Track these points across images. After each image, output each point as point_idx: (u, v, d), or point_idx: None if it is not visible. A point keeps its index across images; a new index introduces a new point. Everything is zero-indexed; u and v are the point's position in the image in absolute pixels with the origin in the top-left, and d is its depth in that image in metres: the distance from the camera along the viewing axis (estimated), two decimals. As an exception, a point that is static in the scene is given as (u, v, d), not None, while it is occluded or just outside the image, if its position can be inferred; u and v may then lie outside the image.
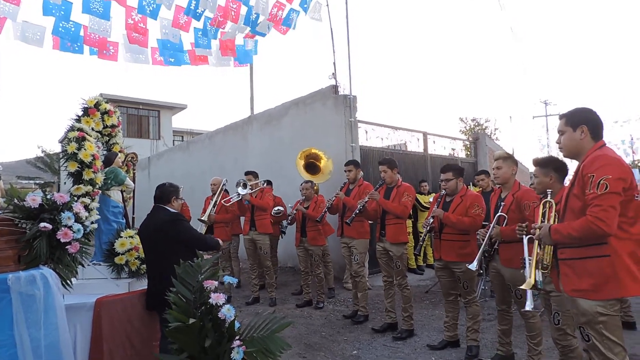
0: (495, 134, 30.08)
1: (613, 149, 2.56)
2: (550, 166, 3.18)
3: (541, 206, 3.03)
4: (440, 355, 4.24)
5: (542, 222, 2.87)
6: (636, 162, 32.26)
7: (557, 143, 2.69)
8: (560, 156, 3.17)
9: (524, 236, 3.26)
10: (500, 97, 65.03)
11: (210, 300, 2.55)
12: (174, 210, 3.53)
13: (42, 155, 28.95)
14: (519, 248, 3.58)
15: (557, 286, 2.77)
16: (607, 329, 2.32)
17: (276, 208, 6.73)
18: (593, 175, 2.34)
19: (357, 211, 5.15)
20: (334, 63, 8.58)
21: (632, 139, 31.16)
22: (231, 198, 6.49)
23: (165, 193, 3.56)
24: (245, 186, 6.31)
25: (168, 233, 3.37)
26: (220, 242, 3.80)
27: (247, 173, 6.68)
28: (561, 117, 2.66)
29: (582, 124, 2.52)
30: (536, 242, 2.79)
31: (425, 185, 8.82)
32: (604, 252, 2.32)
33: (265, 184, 6.97)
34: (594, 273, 2.35)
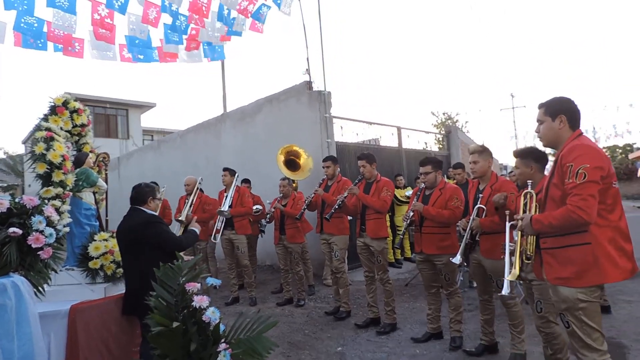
0: (465, 126, 30.57)
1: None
2: (530, 157, 3.21)
3: (522, 197, 3.06)
4: (424, 348, 4.25)
5: (523, 213, 2.90)
6: (599, 151, 33.27)
7: (536, 132, 2.70)
8: (538, 145, 3.21)
9: (506, 223, 3.28)
10: (469, 91, 66.25)
11: (193, 303, 2.47)
12: (150, 212, 3.40)
13: (4, 157, 27.91)
14: (499, 239, 3.63)
15: (539, 274, 2.80)
16: (587, 315, 2.35)
17: (255, 207, 6.63)
18: (572, 165, 2.36)
19: (337, 206, 5.11)
20: (308, 59, 8.51)
21: (594, 129, 32.23)
22: (218, 229, 6.35)
23: (141, 194, 3.42)
24: (221, 213, 6.20)
25: (143, 236, 3.25)
26: (197, 230, 3.66)
27: (225, 169, 6.56)
28: (540, 106, 2.66)
29: (561, 114, 2.54)
30: (519, 232, 2.82)
31: (401, 179, 8.86)
32: (585, 240, 2.35)
33: (242, 183, 6.86)
34: (576, 261, 2.37)
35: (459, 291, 4.41)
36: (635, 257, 2.40)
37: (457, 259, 3.76)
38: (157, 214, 3.50)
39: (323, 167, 5.65)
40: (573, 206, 2.30)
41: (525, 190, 3.03)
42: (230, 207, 6.18)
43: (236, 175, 6.48)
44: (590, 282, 2.34)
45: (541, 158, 3.21)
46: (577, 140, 2.47)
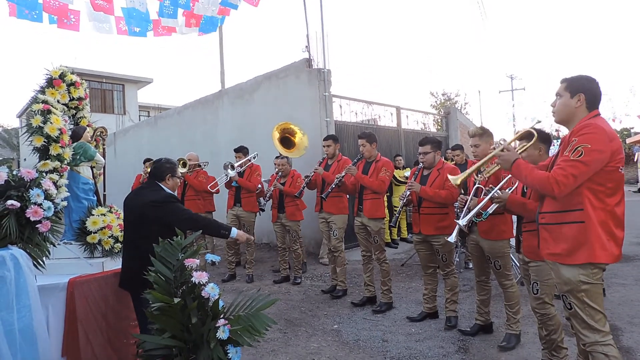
0: (465, 108, 30.49)
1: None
2: (538, 138, 3.16)
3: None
4: (419, 327, 4.30)
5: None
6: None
7: (552, 106, 2.63)
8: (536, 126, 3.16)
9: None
10: (468, 72, 65.82)
11: (192, 279, 2.47)
12: (168, 190, 3.29)
13: (-1, 130, 27.71)
14: (497, 220, 3.67)
15: (533, 255, 3.01)
16: (589, 297, 2.36)
17: (256, 185, 6.62)
18: (575, 140, 2.35)
19: (334, 185, 5.10)
20: (307, 36, 8.37)
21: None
22: (217, 182, 6.38)
23: (160, 170, 3.32)
24: (232, 167, 6.18)
25: (156, 214, 3.13)
26: (235, 234, 3.28)
27: (237, 150, 6.58)
28: (563, 81, 2.59)
29: (581, 92, 2.48)
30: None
31: (400, 160, 8.84)
32: (581, 218, 2.36)
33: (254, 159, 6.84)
34: (568, 238, 2.39)
35: (455, 272, 4.44)
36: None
37: (452, 238, 3.69)
38: (175, 192, 3.38)
39: (323, 146, 5.61)
40: (553, 177, 2.33)
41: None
42: (240, 175, 6.24)
43: (252, 156, 6.51)
44: (579, 260, 2.35)
45: (547, 139, 3.18)
46: (593, 119, 2.43)
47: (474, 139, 3.91)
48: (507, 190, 3.29)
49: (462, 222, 3.45)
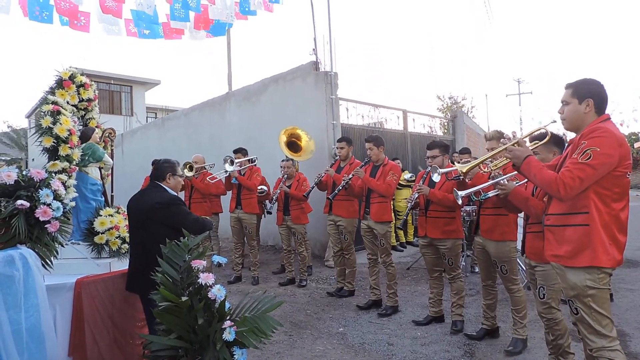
0: (471, 111, 30.42)
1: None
2: (551, 141, 3.14)
3: None
4: (425, 331, 4.28)
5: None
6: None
7: (560, 113, 2.60)
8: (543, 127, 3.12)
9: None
10: (475, 75, 65.69)
11: (199, 280, 2.48)
12: (171, 192, 3.32)
13: (8, 130, 27.93)
14: (500, 220, 3.70)
15: (538, 257, 3.01)
16: (596, 302, 2.34)
17: (260, 187, 6.65)
18: (585, 143, 2.34)
19: (340, 187, 5.11)
20: (315, 39, 8.41)
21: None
22: (216, 175, 6.39)
23: (160, 170, 3.36)
24: (232, 163, 6.20)
25: (161, 215, 3.16)
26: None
27: (236, 151, 6.60)
28: (568, 86, 2.56)
29: (589, 97, 2.45)
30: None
31: (398, 163, 8.80)
32: (585, 221, 2.35)
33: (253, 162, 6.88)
34: (572, 240, 2.38)
35: (461, 275, 4.42)
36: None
37: (463, 193, 3.59)
38: (176, 193, 3.41)
39: (337, 148, 5.60)
40: (560, 179, 2.33)
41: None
42: (242, 174, 6.25)
43: (252, 158, 6.53)
44: (582, 263, 2.34)
45: (561, 142, 3.16)
46: (603, 123, 2.41)
47: (490, 142, 3.88)
48: (514, 182, 3.23)
49: (462, 193, 3.43)
